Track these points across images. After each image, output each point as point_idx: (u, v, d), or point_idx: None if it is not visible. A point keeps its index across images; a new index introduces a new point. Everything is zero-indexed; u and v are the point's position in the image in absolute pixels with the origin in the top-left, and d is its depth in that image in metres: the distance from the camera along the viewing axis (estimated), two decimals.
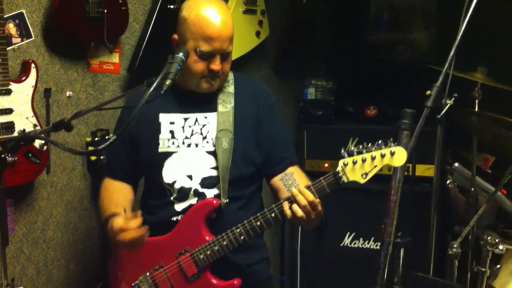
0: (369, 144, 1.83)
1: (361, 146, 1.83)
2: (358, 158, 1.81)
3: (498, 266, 2.30)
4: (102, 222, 2.15)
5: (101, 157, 2.58)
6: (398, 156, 1.77)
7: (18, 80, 2.28)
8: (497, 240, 2.18)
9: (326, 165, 3.33)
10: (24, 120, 2.28)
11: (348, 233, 3.26)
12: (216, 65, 2.01)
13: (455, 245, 2.26)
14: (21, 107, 2.27)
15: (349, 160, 1.82)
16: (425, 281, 2.35)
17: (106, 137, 2.64)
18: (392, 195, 1.84)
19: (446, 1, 3.72)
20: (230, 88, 2.15)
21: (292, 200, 1.88)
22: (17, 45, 2.35)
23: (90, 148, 2.63)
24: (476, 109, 2.60)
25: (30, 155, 2.31)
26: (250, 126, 2.12)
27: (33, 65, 2.31)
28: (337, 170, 1.85)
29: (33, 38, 2.40)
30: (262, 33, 3.30)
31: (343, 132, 3.32)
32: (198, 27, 1.97)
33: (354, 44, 4.04)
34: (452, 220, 3.22)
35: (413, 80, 3.53)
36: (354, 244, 3.25)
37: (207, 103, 2.12)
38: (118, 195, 2.20)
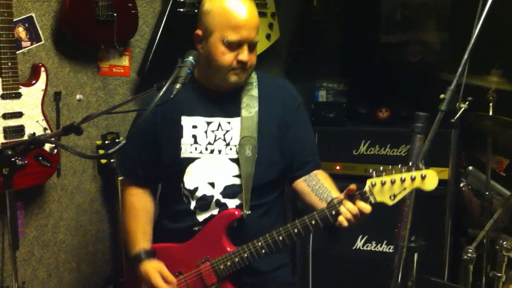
0: (399, 165, 1.76)
1: (390, 167, 1.76)
2: (387, 179, 1.74)
3: None
4: (130, 251, 2.09)
5: (111, 160, 2.58)
6: (429, 180, 1.71)
7: (28, 84, 2.27)
8: None
9: (338, 167, 3.30)
10: (34, 123, 2.28)
11: (361, 236, 3.23)
12: (244, 56, 1.93)
13: (470, 250, 2.23)
14: (31, 111, 2.27)
15: (377, 180, 1.75)
16: (439, 287, 2.32)
17: (116, 140, 2.63)
18: (405, 199, 1.81)
19: None
20: (254, 91, 2.07)
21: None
22: (26, 48, 2.35)
23: (101, 151, 2.63)
24: (490, 113, 2.55)
25: (40, 158, 2.30)
26: (275, 131, 2.06)
27: (43, 68, 2.31)
28: (364, 190, 1.78)
29: (42, 41, 2.40)
30: (272, 36, 3.27)
31: (354, 134, 3.29)
32: (224, 16, 1.91)
33: (366, 45, 4.00)
34: (466, 223, 3.18)
35: (426, 81, 3.49)
36: (367, 247, 3.22)
37: (231, 106, 2.04)
38: (144, 218, 2.13)
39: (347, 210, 1.79)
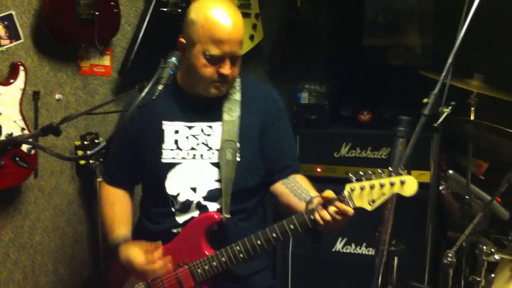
0: (379, 170, 1.76)
1: (370, 172, 1.76)
2: (366, 184, 1.74)
3: (492, 275, 2.28)
4: (109, 241, 2.08)
5: (90, 162, 2.54)
6: (409, 185, 1.71)
7: (6, 83, 2.23)
8: (492, 250, 2.15)
9: (319, 169, 3.30)
10: (11, 123, 2.24)
11: (340, 238, 3.23)
12: (225, 69, 1.92)
13: (450, 254, 2.23)
14: (9, 110, 2.23)
15: (356, 185, 1.75)
16: None
17: (96, 140, 2.59)
18: (387, 202, 1.81)
19: (442, 4, 3.71)
20: (237, 95, 2.06)
21: (325, 204, 1.79)
22: (5, 46, 2.30)
23: (79, 152, 2.59)
24: (472, 117, 2.57)
25: (17, 158, 2.27)
26: (257, 135, 2.05)
27: (21, 67, 2.27)
28: (343, 195, 1.78)
29: (22, 39, 2.36)
30: (256, 37, 3.27)
31: (336, 136, 3.30)
32: (207, 29, 1.89)
33: (349, 48, 4.02)
34: (445, 226, 3.20)
35: (408, 85, 3.51)
36: (346, 249, 3.23)
37: (212, 111, 2.03)
38: (120, 207, 2.13)
39: (321, 218, 1.79)
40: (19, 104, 2.26)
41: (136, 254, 1.95)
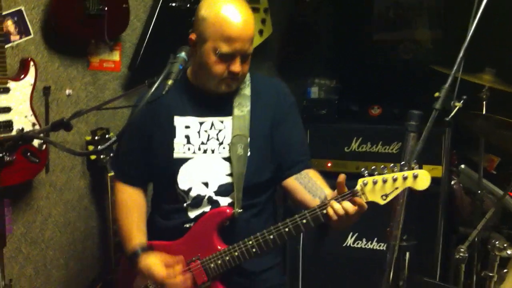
0: (392, 165, 1.75)
1: (382, 166, 1.75)
2: (379, 178, 1.73)
3: (505, 270, 2.27)
4: (126, 248, 2.07)
5: (101, 157, 2.55)
6: (422, 179, 1.70)
7: (17, 78, 2.24)
8: (505, 245, 2.14)
9: (329, 164, 3.29)
10: (22, 118, 2.24)
11: (351, 233, 3.22)
12: (236, 67, 1.91)
13: (462, 249, 2.22)
14: (19, 106, 2.23)
15: (369, 179, 1.74)
16: (431, 286, 2.31)
17: (107, 136, 2.60)
18: (398, 197, 1.80)
19: None
20: (247, 91, 2.05)
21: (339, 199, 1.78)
22: (15, 42, 2.31)
23: (90, 147, 2.59)
24: (484, 111, 2.55)
25: (28, 154, 2.28)
26: (267, 130, 2.04)
27: (32, 63, 2.27)
28: (356, 189, 1.76)
29: (32, 35, 2.36)
30: (265, 32, 3.25)
31: (346, 131, 3.28)
32: (218, 27, 1.87)
33: (358, 43, 4.00)
34: (456, 221, 3.18)
35: (418, 79, 3.49)
36: (357, 244, 3.22)
37: (223, 106, 2.03)
38: (137, 213, 2.12)
39: (334, 212, 1.77)
40: (30, 99, 2.27)
41: (157, 266, 1.95)
